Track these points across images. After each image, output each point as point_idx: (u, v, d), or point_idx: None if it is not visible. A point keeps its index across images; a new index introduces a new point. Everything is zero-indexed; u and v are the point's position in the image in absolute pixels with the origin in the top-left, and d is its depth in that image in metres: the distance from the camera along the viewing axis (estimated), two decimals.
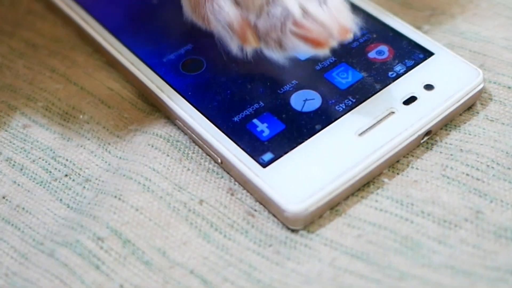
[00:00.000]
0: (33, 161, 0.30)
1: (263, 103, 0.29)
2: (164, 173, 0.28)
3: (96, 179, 0.29)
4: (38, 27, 0.35)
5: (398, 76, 0.29)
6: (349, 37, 0.26)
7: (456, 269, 0.24)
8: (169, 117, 0.30)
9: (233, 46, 0.27)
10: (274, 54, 0.27)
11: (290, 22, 0.26)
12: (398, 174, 0.27)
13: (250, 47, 0.27)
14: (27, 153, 0.30)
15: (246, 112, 0.28)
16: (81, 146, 0.30)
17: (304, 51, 0.27)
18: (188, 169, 0.28)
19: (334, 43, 0.26)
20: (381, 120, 0.28)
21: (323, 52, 0.26)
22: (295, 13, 0.26)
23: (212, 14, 0.27)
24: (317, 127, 0.28)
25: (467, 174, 0.27)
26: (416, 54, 0.30)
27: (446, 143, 0.28)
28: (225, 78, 0.30)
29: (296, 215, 0.26)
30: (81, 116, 0.31)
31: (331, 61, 0.30)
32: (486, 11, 0.33)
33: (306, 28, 0.26)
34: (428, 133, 0.28)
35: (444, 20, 0.33)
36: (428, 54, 0.30)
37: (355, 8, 0.32)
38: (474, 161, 0.27)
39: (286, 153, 0.27)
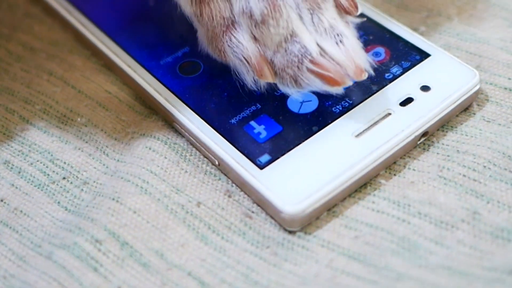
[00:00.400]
0: (31, 164, 0.30)
1: (260, 105, 0.29)
2: (161, 176, 0.28)
3: (94, 181, 0.29)
4: (35, 30, 0.35)
5: (395, 77, 0.29)
6: (364, 77, 0.27)
7: (453, 269, 0.25)
8: (167, 119, 0.30)
9: (249, 79, 0.28)
10: (289, 90, 0.28)
11: (307, 59, 0.27)
12: (395, 175, 0.27)
13: (266, 81, 0.27)
14: (25, 156, 0.30)
15: (243, 114, 0.29)
16: (79, 149, 0.30)
17: (319, 88, 0.27)
18: (186, 171, 0.28)
19: (349, 82, 0.27)
20: (377, 121, 0.28)
21: (338, 90, 0.27)
22: (312, 51, 0.26)
23: (229, 47, 0.27)
24: (314, 128, 0.28)
25: (464, 175, 0.27)
26: (413, 55, 0.30)
27: (442, 144, 0.28)
28: (222, 81, 0.30)
29: (293, 216, 0.26)
30: (79, 119, 0.31)
31: None
32: (482, 12, 0.33)
33: (323, 66, 0.26)
34: (424, 134, 0.28)
35: (441, 21, 0.33)
36: (424, 55, 0.30)
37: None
38: (470, 162, 0.27)
39: (283, 154, 0.27)
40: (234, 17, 0.27)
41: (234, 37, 0.27)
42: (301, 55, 0.26)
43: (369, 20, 0.32)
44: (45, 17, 0.36)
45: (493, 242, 0.25)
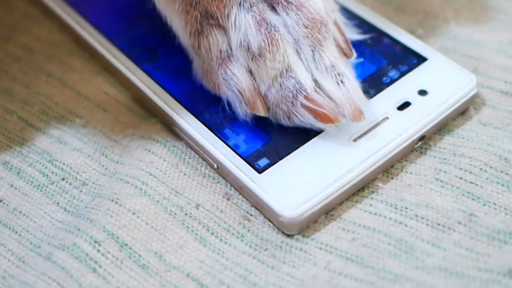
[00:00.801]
0: (30, 164, 0.30)
1: None
2: (160, 178, 0.28)
3: (93, 183, 0.29)
4: (35, 31, 0.35)
5: (392, 81, 0.29)
6: (362, 119, 0.27)
7: (449, 271, 0.25)
8: (166, 122, 0.30)
9: (241, 111, 0.28)
10: (282, 124, 0.28)
11: (302, 95, 0.27)
12: (392, 178, 0.28)
13: (258, 114, 0.28)
14: (24, 156, 0.30)
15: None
16: (78, 150, 0.30)
17: (312, 125, 0.27)
18: (185, 174, 0.29)
19: (343, 121, 0.27)
20: (375, 125, 0.28)
21: (331, 128, 0.27)
22: (307, 87, 0.27)
23: (224, 80, 0.28)
24: (313, 132, 0.28)
25: (461, 178, 0.27)
26: (410, 59, 0.30)
27: (439, 147, 0.28)
28: None
29: (291, 220, 0.26)
30: (77, 120, 0.31)
31: None
32: (479, 15, 0.33)
33: (317, 103, 0.27)
34: (422, 138, 0.28)
35: (438, 24, 0.33)
36: (421, 59, 0.30)
37: (350, 14, 0.32)
38: (467, 165, 0.28)
39: (281, 158, 0.27)
40: (231, 50, 0.27)
41: (230, 70, 0.27)
42: (296, 90, 0.27)
43: (367, 23, 0.32)
44: (44, 18, 0.36)
45: (489, 244, 0.25)
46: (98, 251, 0.27)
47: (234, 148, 0.28)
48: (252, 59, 0.27)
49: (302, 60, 0.27)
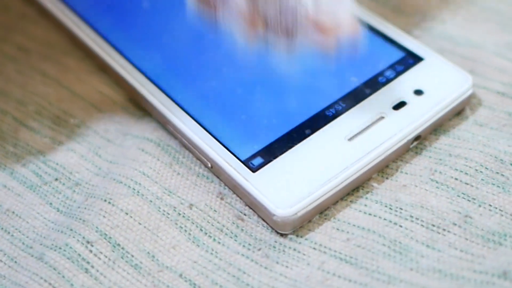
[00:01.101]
0: (24, 165, 0.30)
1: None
2: (154, 177, 0.28)
3: (86, 183, 0.29)
4: (30, 31, 0.35)
5: (388, 81, 0.29)
6: (358, 33, 0.26)
7: (444, 272, 0.25)
8: (160, 121, 0.30)
9: (239, 35, 0.27)
10: (279, 46, 0.27)
11: (302, 12, 0.26)
12: (387, 178, 0.28)
13: (257, 36, 0.27)
14: (18, 157, 0.30)
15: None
16: (72, 150, 0.30)
17: (312, 43, 0.26)
18: (178, 174, 0.28)
19: (343, 37, 0.26)
20: (370, 125, 0.28)
21: (330, 47, 0.26)
22: (308, 4, 0.26)
23: (222, 3, 0.27)
24: (307, 131, 0.28)
25: (456, 179, 0.27)
26: (406, 59, 0.30)
27: (435, 147, 0.28)
28: (215, 82, 0.30)
29: (285, 219, 0.26)
30: (72, 120, 0.31)
31: None
32: (476, 16, 0.33)
33: (317, 19, 0.26)
34: (417, 138, 0.28)
35: (435, 25, 0.33)
36: (417, 59, 0.30)
37: None
38: (462, 166, 0.27)
39: (276, 157, 0.27)
40: None
41: None
42: (297, 7, 0.26)
43: (363, 23, 0.32)
44: (39, 18, 0.36)
45: (484, 246, 0.25)
46: (91, 251, 0.26)
47: (228, 147, 0.28)
48: None
49: None
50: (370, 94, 0.29)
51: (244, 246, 0.26)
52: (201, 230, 0.27)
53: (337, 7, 0.26)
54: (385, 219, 0.26)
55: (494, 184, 0.27)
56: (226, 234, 0.27)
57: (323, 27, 0.26)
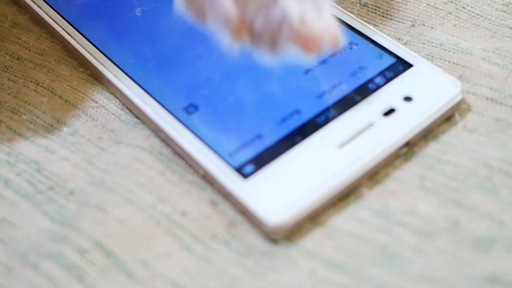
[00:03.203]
0: (18, 174, 0.30)
1: None
2: (147, 186, 0.28)
3: (80, 191, 0.29)
4: (23, 40, 0.35)
5: (378, 87, 0.30)
6: (340, 47, 0.27)
7: (433, 278, 0.25)
8: (152, 129, 0.30)
9: (225, 42, 0.27)
10: (263, 55, 0.27)
11: (287, 25, 0.26)
12: (377, 185, 0.28)
13: (243, 43, 0.27)
14: (12, 166, 0.30)
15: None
16: (66, 159, 0.30)
17: (294, 54, 0.27)
18: (171, 181, 0.29)
19: (325, 50, 0.27)
20: (360, 131, 0.28)
21: (312, 58, 0.27)
22: (293, 16, 0.26)
23: (210, 9, 0.27)
24: (298, 139, 0.28)
25: (445, 185, 0.27)
26: (396, 66, 0.30)
27: (424, 154, 0.29)
28: (208, 91, 0.30)
29: (277, 226, 0.26)
30: (65, 129, 0.31)
31: None
32: (466, 22, 0.34)
33: (302, 32, 0.26)
34: (407, 144, 0.28)
35: (424, 31, 0.33)
36: (407, 65, 0.30)
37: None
38: (451, 172, 0.28)
39: (267, 165, 0.27)
40: None
41: None
42: (282, 20, 0.26)
43: (353, 29, 0.32)
44: (32, 26, 0.36)
45: (473, 251, 0.26)
46: (85, 259, 0.27)
47: (221, 155, 0.28)
48: None
49: None
50: (360, 101, 0.29)
51: (236, 253, 0.27)
52: (194, 237, 0.27)
53: (321, 20, 0.27)
54: (374, 225, 0.27)
55: (483, 190, 0.27)
56: (218, 241, 0.27)
57: (307, 39, 0.26)
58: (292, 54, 0.27)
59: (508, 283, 0.24)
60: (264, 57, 0.27)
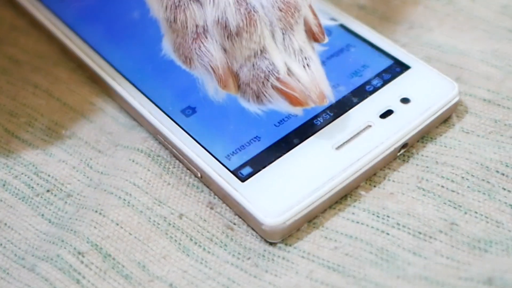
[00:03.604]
0: (16, 176, 0.30)
1: None
2: (144, 188, 0.29)
3: (78, 194, 0.29)
4: (21, 43, 0.35)
5: (375, 89, 0.30)
6: (326, 103, 0.27)
7: (430, 280, 0.25)
8: (150, 132, 0.30)
9: (211, 89, 0.28)
10: (249, 105, 0.28)
11: (274, 76, 0.27)
12: (374, 186, 0.28)
13: (228, 93, 0.28)
14: (10, 168, 0.30)
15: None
16: (63, 162, 0.30)
17: (280, 107, 0.27)
18: (169, 184, 0.29)
19: (311, 105, 0.27)
20: (358, 133, 0.28)
21: (298, 111, 0.27)
22: (280, 69, 0.27)
23: (197, 55, 0.28)
24: (295, 141, 0.28)
25: (442, 186, 0.27)
26: (393, 67, 0.30)
27: (422, 155, 0.29)
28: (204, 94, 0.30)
29: (274, 228, 0.26)
30: (63, 132, 0.31)
31: None
32: (463, 24, 0.34)
33: (289, 85, 0.27)
34: (404, 146, 0.28)
35: (422, 33, 0.34)
36: (404, 67, 0.30)
37: (333, 22, 0.32)
38: (449, 173, 0.28)
39: (264, 167, 0.27)
40: (206, 26, 0.27)
41: (204, 45, 0.27)
42: (268, 71, 0.27)
43: (350, 32, 0.32)
44: (31, 29, 0.36)
45: (470, 253, 0.26)
46: (82, 262, 0.27)
47: (218, 157, 0.28)
48: (228, 37, 0.27)
49: (276, 42, 0.27)
50: (358, 102, 0.29)
51: (233, 255, 0.27)
52: (191, 239, 0.27)
53: (309, 77, 0.27)
54: (372, 227, 0.27)
55: (480, 191, 0.27)
56: (216, 243, 0.27)
57: (292, 96, 0.27)
58: (278, 106, 0.27)
59: (505, 284, 0.24)
60: (250, 106, 0.28)
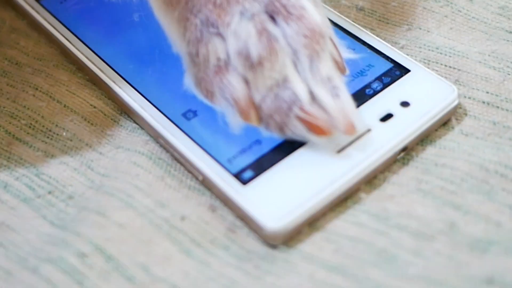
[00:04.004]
0: (17, 178, 0.30)
1: None
2: (146, 190, 0.29)
3: (79, 196, 0.29)
4: (21, 45, 0.35)
5: (375, 93, 0.30)
6: (355, 133, 0.27)
7: (430, 280, 0.25)
8: (151, 135, 0.30)
9: (234, 121, 0.28)
10: (273, 135, 0.28)
11: (297, 107, 0.27)
12: (375, 189, 0.28)
13: (250, 124, 0.28)
14: (11, 170, 0.30)
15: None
16: (64, 164, 0.30)
17: (304, 137, 0.27)
18: (170, 186, 0.29)
19: (336, 134, 0.27)
20: (358, 137, 0.28)
21: (322, 141, 0.27)
22: (303, 99, 0.27)
23: (219, 88, 0.28)
24: (296, 144, 0.28)
25: (442, 188, 0.28)
26: (393, 71, 0.31)
27: (421, 158, 0.29)
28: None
29: (275, 232, 0.26)
30: (64, 134, 0.32)
31: None
32: (461, 26, 0.34)
33: (312, 115, 0.27)
34: (404, 149, 0.29)
35: (421, 35, 0.34)
36: (404, 71, 0.31)
37: (332, 25, 0.32)
38: (448, 175, 0.28)
39: (266, 170, 0.27)
40: (228, 58, 0.27)
41: (226, 78, 0.27)
42: (291, 101, 0.27)
43: (350, 35, 0.32)
44: (31, 31, 0.36)
45: (470, 253, 0.26)
46: (85, 263, 0.27)
47: (219, 161, 0.28)
48: (250, 67, 0.27)
49: (299, 71, 0.27)
50: (358, 106, 0.29)
51: (235, 257, 0.27)
52: (193, 242, 0.27)
53: (337, 106, 0.27)
54: (373, 228, 0.27)
55: (479, 193, 0.27)
56: (217, 245, 0.27)
57: (315, 126, 0.27)
58: (302, 136, 0.27)
59: (505, 285, 0.25)
60: (273, 136, 0.28)
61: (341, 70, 0.28)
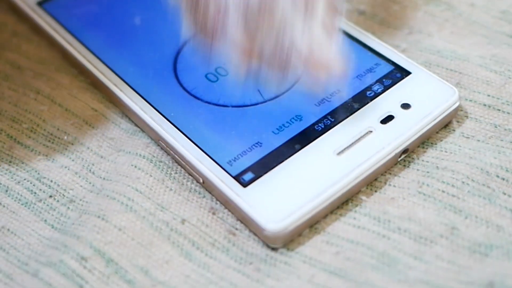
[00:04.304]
0: (18, 182, 0.30)
1: None
2: (147, 193, 0.29)
3: (80, 199, 0.29)
4: (23, 49, 0.35)
5: (376, 95, 0.30)
6: (346, 75, 0.28)
7: (431, 284, 0.25)
8: (152, 137, 0.30)
9: (234, 66, 0.28)
10: (271, 78, 0.28)
11: (297, 50, 0.27)
12: (375, 191, 0.28)
13: (251, 67, 0.27)
14: (12, 174, 0.30)
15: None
16: (66, 167, 0.30)
17: (304, 80, 0.27)
18: (171, 189, 0.29)
19: (333, 77, 0.27)
20: (359, 139, 0.28)
21: (320, 85, 0.27)
22: (303, 43, 0.27)
23: (220, 32, 0.27)
24: (297, 146, 0.28)
25: (443, 191, 0.28)
26: (394, 73, 0.31)
27: (422, 160, 0.29)
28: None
29: (276, 233, 0.26)
30: (65, 137, 0.32)
31: None
32: (462, 30, 0.34)
33: (312, 57, 0.27)
34: (405, 151, 0.29)
35: (422, 38, 0.34)
36: (405, 73, 0.31)
37: None
38: (449, 178, 0.28)
39: (266, 172, 0.27)
40: (228, 5, 0.27)
41: (226, 22, 0.27)
42: (291, 45, 0.27)
43: (351, 37, 0.32)
44: (32, 35, 0.36)
45: (470, 257, 0.26)
46: (85, 267, 0.27)
47: (220, 163, 0.28)
48: (250, 14, 0.27)
49: (298, 14, 0.27)
50: (358, 108, 0.29)
51: (235, 260, 0.27)
52: (194, 245, 0.27)
53: (329, 48, 0.27)
54: (373, 231, 0.27)
55: (480, 196, 0.27)
56: (218, 248, 0.27)
57: (315, 65, 0.27)
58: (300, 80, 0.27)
59: None
60: (271, 80, 0.28)
61: (335, 11, 0.28)
